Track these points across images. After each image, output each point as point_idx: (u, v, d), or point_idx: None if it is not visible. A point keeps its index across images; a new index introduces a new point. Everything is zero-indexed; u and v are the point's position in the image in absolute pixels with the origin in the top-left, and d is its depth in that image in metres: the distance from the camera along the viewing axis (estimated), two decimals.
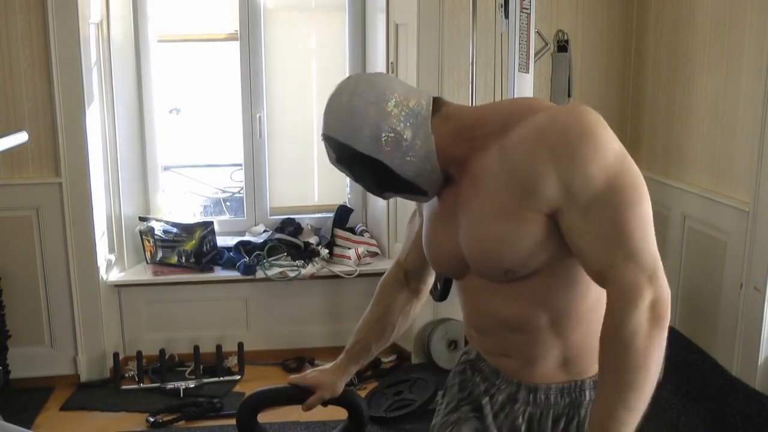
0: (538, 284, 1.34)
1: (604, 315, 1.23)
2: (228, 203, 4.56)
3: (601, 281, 1.24)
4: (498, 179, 1.29)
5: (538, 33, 3.10)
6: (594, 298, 1.33)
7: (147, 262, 3.97)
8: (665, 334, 1.21)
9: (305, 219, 4.21)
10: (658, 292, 1.20)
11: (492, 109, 1.42)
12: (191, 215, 4.26)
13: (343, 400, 1.74)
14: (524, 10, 2.80)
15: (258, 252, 3.90)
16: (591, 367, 1.37)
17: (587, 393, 1.39)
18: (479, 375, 1.55)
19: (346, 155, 1.39)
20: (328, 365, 1.72)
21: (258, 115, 4.08)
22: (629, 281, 1.19)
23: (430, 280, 1.74)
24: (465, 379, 1.60)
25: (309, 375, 1.71)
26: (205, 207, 4.52)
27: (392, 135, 1.35)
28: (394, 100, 1.35)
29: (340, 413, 1.76)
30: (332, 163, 1.46)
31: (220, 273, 3.88)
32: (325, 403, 1.71)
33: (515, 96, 2.86)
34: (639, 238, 1.21)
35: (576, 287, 1.34)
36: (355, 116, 1.35)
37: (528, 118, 1.27)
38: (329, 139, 1.41)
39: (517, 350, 1.42)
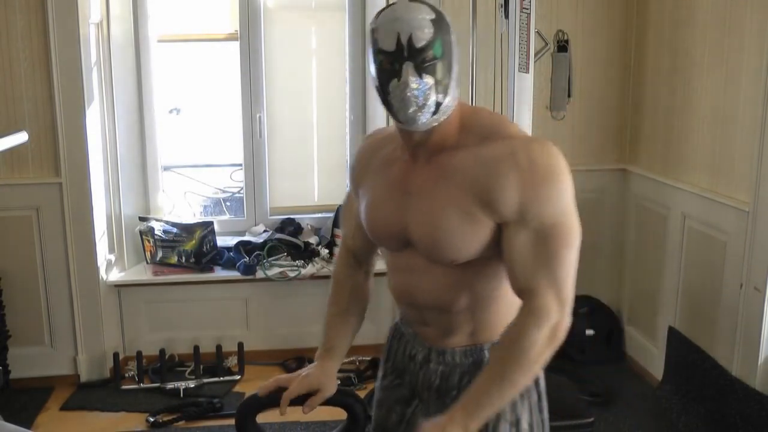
0: (467, 273, 1.54)
1: (515, 319, 1.47)
2: (228, 203, 4.56)
3: (521, 293, 1.47)
4: (466, 181, 1.47)
5: (538, 33, 3.10)
6: (505, 288, 1.54)
7: (147, 262, 3.97)
8: (553, 352, 1.49)
9: (305, 219, 4.21)
10: (563, 320, 1.47)
11: (475, 118, 1.54)
12: (191, 215, 4.26)
13: (343, 400, 1.74)
14: (524, 10, 2.80)
15: (258, 252, 3.90)
16: (492, 336, 1.60)
17: (485, 353, 1.61)
18: (403, 339, 1.75)
19: (440, 24, 1.44)
20: (315, 365, 1.70)
21: (258, 115, 4.08)
22: (544, 303, 1.44)
23: (376, 258, 1.83)
24: (391, 347, 1.79)
25: (308, 377, 1.67)
26: (205, 207, 4.52)
27: (456, 70, 1.47)
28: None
29: (339, 413, 1.76)
30: (418, 18, 1.42)
31: (220, 273, 3.88)
32: (324, 403, 1.70)
33: (515, 96, 2.86)
34: (564, 274, 1.45)
35: (495, 279, 1.56)
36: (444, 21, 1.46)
37: (504, 139, 1.48)
38: (422, 2, 1.44)
39: (436, 323, 1.63)
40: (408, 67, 1.41)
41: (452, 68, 1.46)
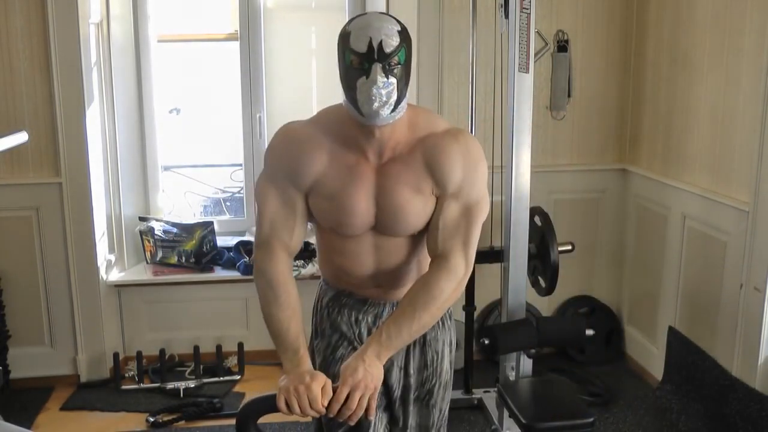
0: (413, 239, 1.86)
1: (429, 272, 1.79)
2: (228, 203, 4.56)
3: (437, 254, 1.80)
4: (419, 166, 1.76)
5: (538, 33, 3.10)
6: None
7: (147, 262, 3.97)
8: (455, 301, 1.85)
9: None
10: (466, 276, 1.81)
11: (417, 116, 1.81)
12: (191, 215, 4.26)
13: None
14: (524, 10, 2.80)
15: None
16: None
17: None
18: (345, 308, 1.94)
19: (405, 35, 1.70)
20: (304, 371, 1.69)
21: (258, 115, 4.08)
22: (456, 263, 1.79)
23: None
24: (333, 322, 1.95)
25: (316, 375, 1.68)
26: (205, 207, 4.52)
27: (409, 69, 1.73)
28: None
29: None
30: (388, 27, 1.66)
31: (220, 273, 3.88)
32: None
33: (515, 96, 2.86)
34: (474, 241, 1.81)
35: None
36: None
37: (444, 131, 1.81)
38: (391, 17, 1.71)
39: (389, 283, 1.91)
40: (377, 68, 1.64)
41: (409, 75, 1.72)
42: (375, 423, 1.90)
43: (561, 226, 3.45)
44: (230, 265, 3.88)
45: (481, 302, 3.67)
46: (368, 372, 1.67)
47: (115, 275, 3.83)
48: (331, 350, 1.94)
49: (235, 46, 4.05)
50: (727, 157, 3.07)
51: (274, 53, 4.08)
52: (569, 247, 3.35)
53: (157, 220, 3.99)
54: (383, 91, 1.64)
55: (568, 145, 3.84)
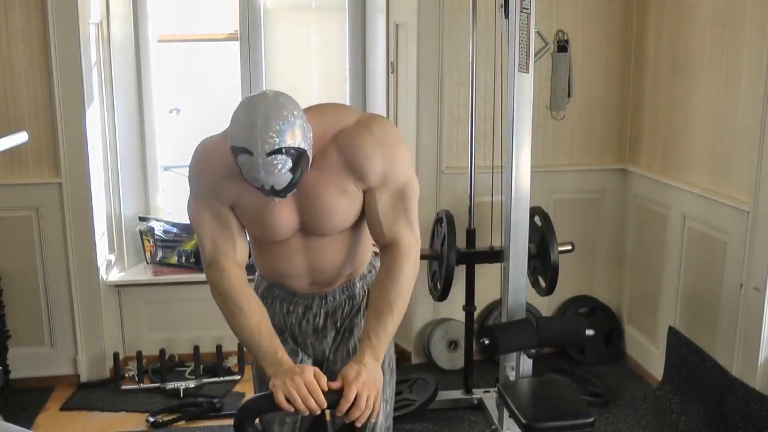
0: (344, 235, 1.87)
1: (386, 262, 1.81)
2: None
3: (387, 240, 1.82)
4: (339, 166, 1.74)
5: (538, 33, 3.10)
6: (364, 234, 1.92)
7: (147, 262, 3.97)
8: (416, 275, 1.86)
9: None
10: (419, 251, 1.85)
11: (323, 120, 1.75)
12: None
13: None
14: (524, 10, 2.80)
15: None
16: (358, 270, 1.98)
17: (357, 284, 1.99)
18: (276, 301, 1.99)
19: (297, 159, 1.61)
20: (291, 364, 1.72)
21: None
22: (408, 245, 1.82)
23: None
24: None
25: (304, 367, 1.69)
26: None
27: (310, 135, 1.66)
28: (298, 110, 1.64)
29: None
30: (278, 176, 1.59)
31: None
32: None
33: (515, 96, 2.86)
34: (415, 218, 1.84)
35: (359, 231, 1.90)
36: (298, 126, 1.61)
37: (354, 122, 1.77)
38: (286, 150, 1.58)
39: (322, 280, 1.93)
40: (273, 195, 1.64)
41: (303, 154, 1.62)
42: None
43: (561, 226, 3.45)
44: None
45: (481, 302, 3.67)
46: (370, 375, 1.69)
47: (115, 275, 3.83)
48: None
49: (235, 46, 4.05)
50: (727, 157, 3.07)
51: (274, 53, 4.08)
52: (569, 247, 3.36)
53: (157, 220, 4.00)
54: (284, 184, 1.63)
55: (568, 145, 3.84)
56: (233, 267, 1.84)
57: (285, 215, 1.79)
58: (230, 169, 1.69)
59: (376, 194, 1.79)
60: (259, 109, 1.57)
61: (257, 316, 1.80)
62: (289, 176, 1.60)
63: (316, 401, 1.63)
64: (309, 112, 1.69)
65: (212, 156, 1.79)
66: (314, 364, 2.00)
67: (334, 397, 1.66)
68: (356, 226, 1.88)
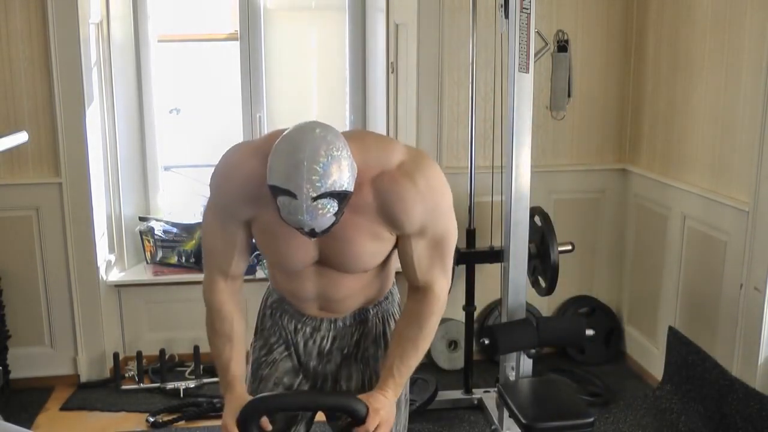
0: (364, 274, 1.80)
1: (417, 304, 1.79)
2: None
3: (421, 283, 1.78)
4: (374, 211, 1.65)
5: (538, 33, 3.10)
6: (386, 266, 1.86)
7: (147, 262, 3.97)
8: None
9: None
10: (448, 289, 1.83)
11: (366, 153, 1.62)
12: (191, 215, 4.25)
13: (346, 406, 1.76)
14: (524, 10, 2.80)
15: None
16: (375, 299, 1.90)
17: (370, 311, 1.91)
18: (286, 315, 1.93)
19: (340, 204, 1.51)
20: (234, 396, 1.78)
21: (258, 115, 4.08)
22: (439, 289, 1.79)
23: None
24: (274, 323, 1.95)
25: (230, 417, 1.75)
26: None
27: (356, 173, 1.55)
28: (345, 147, 1.52)
29: None
30: (321, 219, 1.49)
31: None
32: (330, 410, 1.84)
33: (515, 96, 2.86)
34: (450, 264, 1.81)
35: (383, 264, 1.82)
36: (345, 167, 1.49)
37: (398, 166, 1.65)
38: (331, 194, 1.47)
39: (332, 308, 1.87)
40: (310, 236, 1.55)
41: (349, 195, 1.52)
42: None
43: (561, 226, 3.45)
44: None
45: (481, 302, 3.67)
46: (390, 410, 1.74)
47: (115, 275, 3.83)
48: (266, 351, 1.96)
49: (235, 46, 4.05)
50: (727, 157, 3.07)
51: (274, 53, 4.08)
52: (569, 247, 3.35)
53: (157, 220, 3.99)
54: (324, 226, 1.53)
55: (568, 145, 3.84)
56: (222, 282, 1.85)
57: (303, 250, 1.72)
58: (254, 191, 1.64)
59: (412, 241, 1.73)
60: (305, 147, 1.45)
61: (225, 337, 1.83)
62: (332, 219, 1.51)
63: None
64: (351, 144, 1.55)
65: (238, 173, 1.69)
66: (312, 387, 1.96)
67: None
68: (379, 267, 1.83)
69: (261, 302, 2.04)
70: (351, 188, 1.51)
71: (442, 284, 1.80)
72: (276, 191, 1.48)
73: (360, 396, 1.73)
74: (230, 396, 1.78)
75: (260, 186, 1.58)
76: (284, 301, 1.93)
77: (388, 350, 1.82)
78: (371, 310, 1.92)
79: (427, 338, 1.79)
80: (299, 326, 1.92)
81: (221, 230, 1.78)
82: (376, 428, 1.70)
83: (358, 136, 1.73)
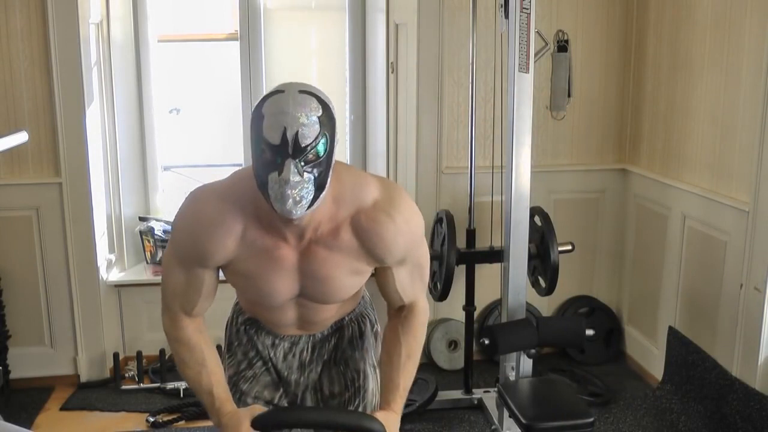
0: (345, 301, 1.84)
1: (405, 318, 1.84)
2: None
3: (404, 303, 1.83)
4: (353, 249, 1.65)
5: (538, 33, 3.10)
6: (362, 287, 1.88)
7: (147, 262, 3.97)
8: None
9: None
10: (427, 305, 1.89)
11: (342, 188, 1.63)
12: None
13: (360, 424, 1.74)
14: (524, 10, 2.80)
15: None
16: (350, 309, 1.93)
17: (345, 319, 1.93)
18: (262, 332, 1.91)
19: (327, 120, 1.49)
20: (228, 411, 1.71)
21: None
22: (422, 305, 1.86)
23: None
24: (249, 340, 1.92)
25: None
26: None
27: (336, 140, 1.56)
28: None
29: None
30: (306, 119, 1.46)
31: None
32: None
33: (515, 96, 2.86)
34: (427, 277, 1.85)
35: (358, 292, 1.89)
36: (329, 103, 1.53)
37: (369, 203, 1.64)
38: (311, 94, 1.49)
39: (313, 328, 1.90)
40: (290, 164, 1.45)
41: (332, 162, 1.53)
42: None
43: (561, 226, 3.45)
44: None
45: (481, 302, 3.67)
46: (397, 426, 1.77)
47: (115, 275, 3.83)
48: (246, 365, 1.93)
49: (235, 46, 4.05)
50: (727, 157, 3.07)
51: (274, 53, 4.08)
52: (569, 247, 3.35)
53: (157, 220, 4.00)
54: (296, 191, 1.46)
55: (568, 145, 3.84)
56: (186, 320, 1.77)
57: (285, 285, 1.69)
58: (228, 238, 1.61)
59: (393, 271, 1.76)
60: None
61: (198, 365, 1.74)
62: (317, 127, 1.46)
63: None
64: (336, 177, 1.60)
65: (204, 220, 1.62)
66: (292, 401, 1.96)
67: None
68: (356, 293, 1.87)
69: (229, 320, 1.99)
70: (334, 114, 1.52)
71: (424, 300, 1.86)
72: (263, 100, 1.49)
73: (375, 414, 1.73)
74: (228, 416, 1.69)
75: (233, 232, 1.61)
76: (257, 321, 1.92)
77: (385, 368, 1.84)
78: (346, 317, 1.95)
79: (419, 348, 1.85)
80: (276, 341, 1.91)
81: (186, 275, 1.71)
82: None
83: (336, 169, 1.62)
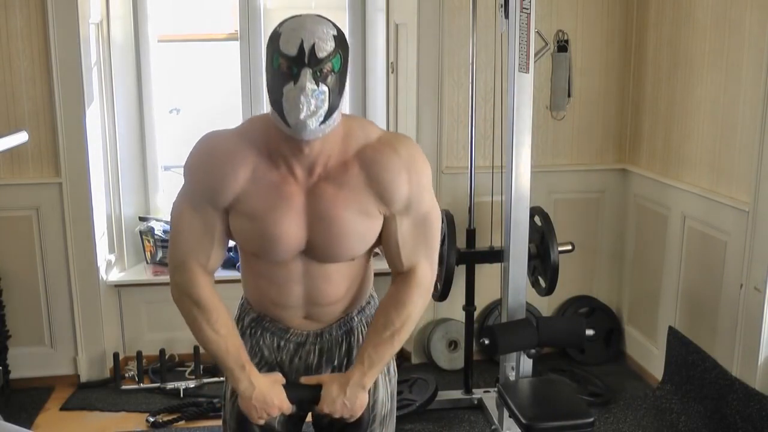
0: (351, 266, 1.74)
1: (399, 289, 1.73)
2: None
3: (402, 269, 1.73)
4: (361, 183, 1.62)
5: (538, 33, 3.10)
6: (367, 264, 1.82)
7: (147, 262, 3.98)
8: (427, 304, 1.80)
9: None
10: (433, 281, 1.78)
11: (350, 126, 1.66)
12: None
13: None
14: (524, 10, 2.80)
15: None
16: (358, 303, 1.82)
17: (354, 319, 1.83)
18: (266, 333, 1.83)
19: (341, 42, 1.55)
20: (257, 380, 1.73)
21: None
22: (424, 274, 1.74)
23: None
24: (255, 344, 1.84)
25: (276, 393, 1.73)
26: None
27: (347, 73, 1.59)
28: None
29: None
30: (321, 37, 1.50)
31: (220, 273, 3.83)
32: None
33: (515, 96, 2.86)
34: (436, 247, 1.76)
35: (365, 261, 1.79)
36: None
37: (378, 140, 1.66)
38: (327, 20, 1.55)
39: (318, 316, 1.78)
40: (306, 73, 1.49)
41: (345, 86, 1.57)
42: None
43: (561, 226, 3.45)
44: (230, 265, 3.87)
45: (481, 302, 3.67)
46: (346, 404, 1.71)
47: (115, 275, 3.83)
48: None
49: (235, 46, 4.05)
50: (727, 157, 3.07)
51: None
52: (569, 247, 3.35)
53: (157, 220, 4.00)
54: (312, 100, 1.49)
55: (568, 145, 3.84)
56: (203, 275, 1.72)
57: (292, 229, 1.63)
58: (235, 167, 1.61)
59: (397, 220, 1.68)
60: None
61: (225, 328, 1.72)
62: (332, 42, 1.50)
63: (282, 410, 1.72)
64: (344, 121, 1.63)
65: (216, 152, 1.64)
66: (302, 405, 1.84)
67: (309, 396, 1.73)
68: (364, 256, 1.76)
69: (234, 320, 1.90)
70: (348, 44, 1.57)
71: (426, 269, 1.74)
72: (278, 28, 1.53)
73: (321, 377, 1.75)
74: (261, 380, 1.72)
75: (245, 164, 1.61)
76: (263, 318, 1.83)
77: (366, 335, 1.78)
78: (356, 318, 1.83)
79: (405, 327, 1.72)
80: (282, 343, 1.82)
81: (199, 219, 1.68)
82: (336, 411, 1.71)
83: (347, 114, 1.70)
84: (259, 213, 1.63)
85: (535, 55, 2.93)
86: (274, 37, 1.52)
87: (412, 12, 3.60)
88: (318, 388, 1.73)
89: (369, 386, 1.73)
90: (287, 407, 1.73)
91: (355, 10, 4.06)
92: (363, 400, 1.73)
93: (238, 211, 1.65)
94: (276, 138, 1.58)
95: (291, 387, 1.75)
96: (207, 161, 1.65)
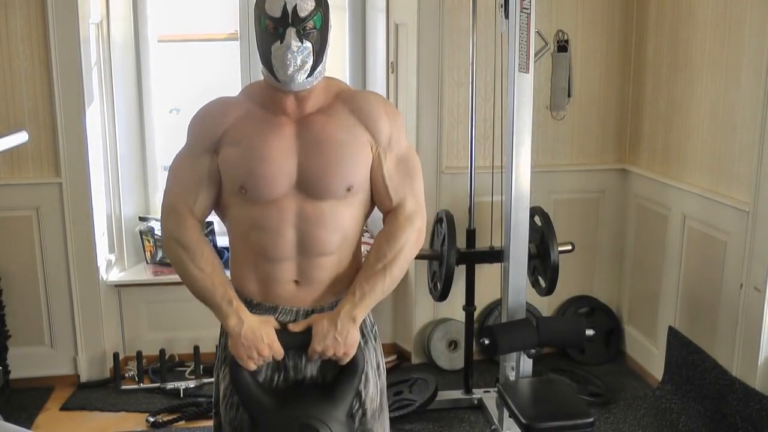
0: (345, 214, 1.78)
1: (388, 227, 1.81)
2: None
3: (391, 206, 1.81)
4: (346, 115, 1.76)
5: (538, 33, 3.10)
6: (359, 238, 1.86)
7: (147, 262, 3.98)
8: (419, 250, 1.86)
9: None
10: (423, 223, 1.85)
11: (332, 83, 1.82)
12: None
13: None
14: (524, 10, 2.80)
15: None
16: (345, 287, 1.81)
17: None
18: (255, 313, 1.82)
19: (321, 1, 1.69)
20: (247, 317, 1.77)
21: None
22: (411, 211, 1.82)
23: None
24: None
25: (268, 332, 1.76)
26: None
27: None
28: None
29: None
30: (300, 0, 1.65)
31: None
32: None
33: (515, 96, 2.86)
34: (420, 187, 1.86)
35: (359, 222, 1.84)
36: None
37: (355, 90, 1.90)
38: None
39: (309, 278, 1.79)
40: (291, 32, 1.65)
41: (327, 41, 1.71)
42: None
43: (561, 226, 3.46)
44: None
45: (481, 302, 3.67)
46: (338, 340, 1.74)
47: (115, 275, 3.83)
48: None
49: (235, 46, 4.05)
50: (727, 157, 3.07)
51: None
52: (569, 247, 3.36)
53: (157, 220, 3.99)
54: (298, 56, 1.65)
55: (568, 145, 3.84)
56: (191, 218, 1.80)
57: (283, 159, 1.72)
58: (230, 109, 1.80)
59: (381, 156, 1.79)
60: None
61: (210, 266, 1.78)
62: (312, 2, 1.66)
63: (274, 352, 1.75)
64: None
65: (216, 102, 1.85)
66: (295, 383, 1.83)
67: (300, 342, 1.75)
68: (355, 212, 1.79)
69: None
70: (327, 4, 1.71)
71: (413, 204, 1.82)
72: None
73: (309, 319, 1.77)
74: (251, 318, 1.76)
75: (240, 107, 1.80)
76: (249, 304, 1.81)
77: (358, 274, 1.81)
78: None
79: (398, 261, 1.78)
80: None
81: (190, 166, 1.80)
82: (328, 348, 1.74)
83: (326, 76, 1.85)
84: (246, 136, 1.75)
85: (535, 55, 2.94)
86: (260, 1, 1.68)
87: (412, 12, 3.60)
88: (308, 330, 1.75)
89: (360, 320, 1.77)
90: (278, 350, 1.75)
91: (355, 10, 4.07)
92: (355, 335, 1.76)
93: (226, 143, 1.77)
94: (270, 91, 1.76)
95: (282, 332, 1.77)
96: (205, 112, 1.84)
